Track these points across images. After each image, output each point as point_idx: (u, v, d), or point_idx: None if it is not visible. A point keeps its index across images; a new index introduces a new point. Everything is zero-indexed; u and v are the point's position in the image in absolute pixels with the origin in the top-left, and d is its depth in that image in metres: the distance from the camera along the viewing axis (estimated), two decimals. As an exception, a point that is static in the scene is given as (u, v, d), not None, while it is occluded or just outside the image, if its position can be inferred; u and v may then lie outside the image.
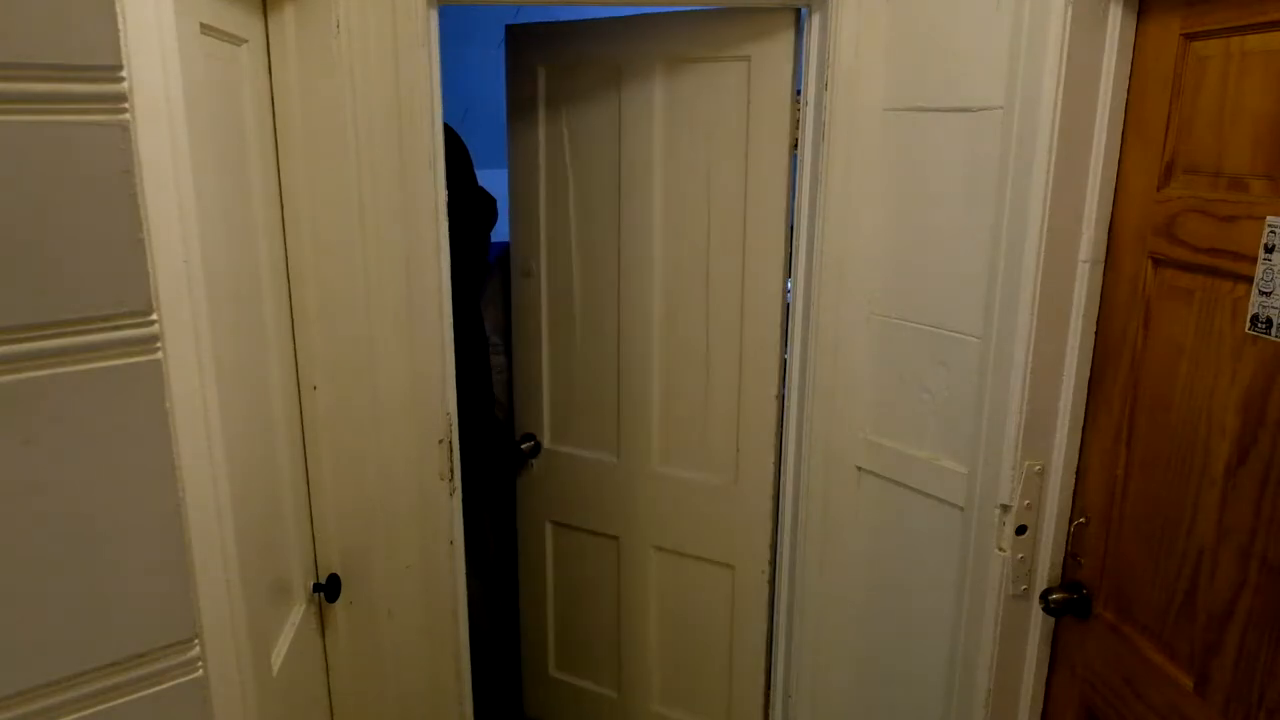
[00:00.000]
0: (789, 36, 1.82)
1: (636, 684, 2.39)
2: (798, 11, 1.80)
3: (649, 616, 2.33)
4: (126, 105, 0.82)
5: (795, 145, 1.86)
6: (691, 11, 1.91)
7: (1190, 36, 1.23)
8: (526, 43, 2.16)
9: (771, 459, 2.04)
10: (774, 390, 2.00)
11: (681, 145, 1.99)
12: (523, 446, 2.36)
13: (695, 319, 2.08)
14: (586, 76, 2.09)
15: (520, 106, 2.20)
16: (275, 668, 1.34)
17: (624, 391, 2.21)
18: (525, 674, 2.61)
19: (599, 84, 2.07)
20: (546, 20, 2.14)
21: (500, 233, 2.88)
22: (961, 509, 1.63)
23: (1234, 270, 1.16)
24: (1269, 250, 1.10)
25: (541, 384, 2.34)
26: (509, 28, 2.18)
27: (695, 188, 2.00)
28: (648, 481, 2.24)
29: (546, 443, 2.37)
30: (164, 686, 0.94)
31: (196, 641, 0.95)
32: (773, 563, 2.10)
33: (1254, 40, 1.13)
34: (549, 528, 2.43)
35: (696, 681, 2.32)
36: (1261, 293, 1.11)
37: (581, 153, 2.14)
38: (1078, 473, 1.48)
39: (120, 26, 0.81)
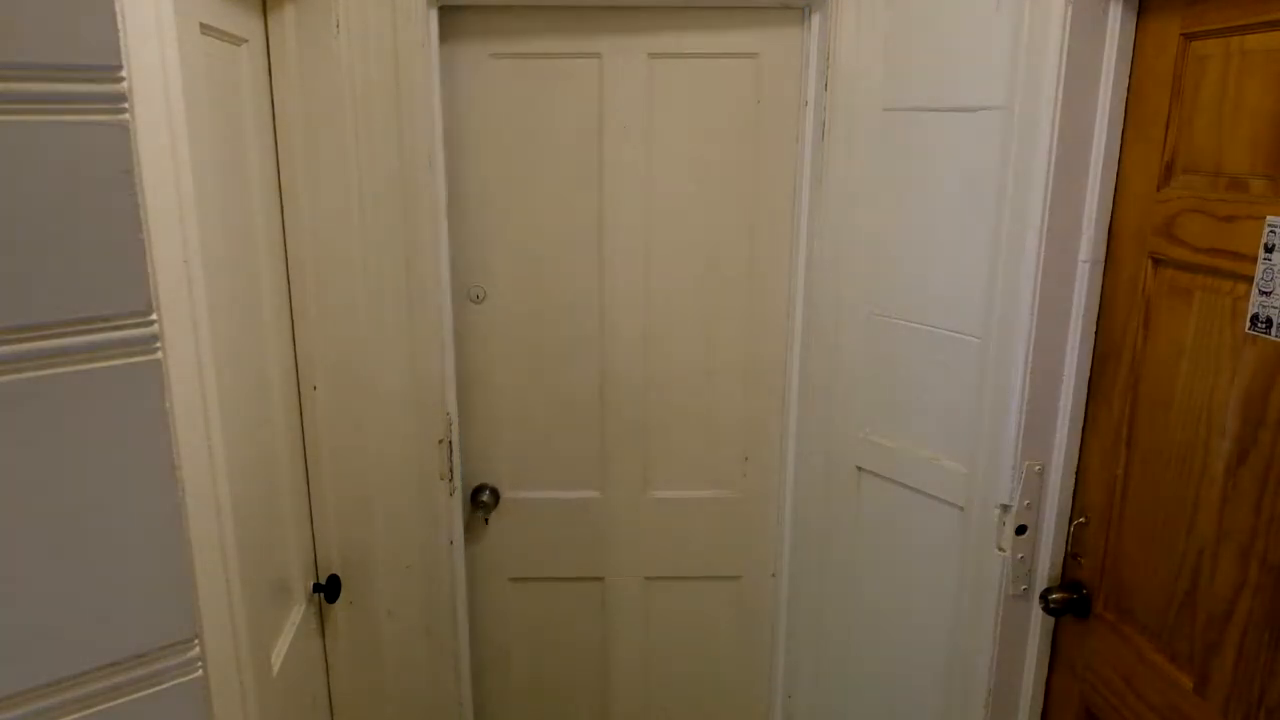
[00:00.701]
0: (798, 34, 1.80)
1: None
2: (803, 10, 1.79)
3: (641, 651, 2.22)
4: (126, 105, 0.82)
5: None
6: (688, 6, 1.82)
7: (1190, 36, 1.23)
8: (469, 26, 1.84)
9: (776, 466, 2.03)
10: (782, 393, 1.99)
11: (682, 146, 1.91)
12: (481, 499, 2.06)
13: (695, 330, 1.99)
14: (556, 70, 1.86)
15: (463, 103, 1.87)
16: (275, 668, 1.34)
17: (609, 419, 2.04)
18: None
19: (574, 80, 1.87)
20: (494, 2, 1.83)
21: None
22: (961, 509, 1.63)
23: (1234, 270, 1.16)
24: (1269, 250, 1.10)
25: (499, 426, 2.06)
26: (443, 8, 1.80)
27: (697, 190, 1.92)
28: (639, 511, 2.11)
29: (506, 492, 2.09)
30: (164, 686, 0.93)
31: (196, 641, 0.95)
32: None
33: (1254, 40, 1.13)
34: (509, 586, 2.16)
35: (695, 702, 2.26)
36: (1261, 292, 1.11)
37: (549, 157, 1.90)
38: (1078, 472, 1.48)
39: (120, 26, 0.81)
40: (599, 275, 1.96)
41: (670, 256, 1.95)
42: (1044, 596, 1.49)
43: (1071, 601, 1.47)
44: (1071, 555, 1.50)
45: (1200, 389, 1.23)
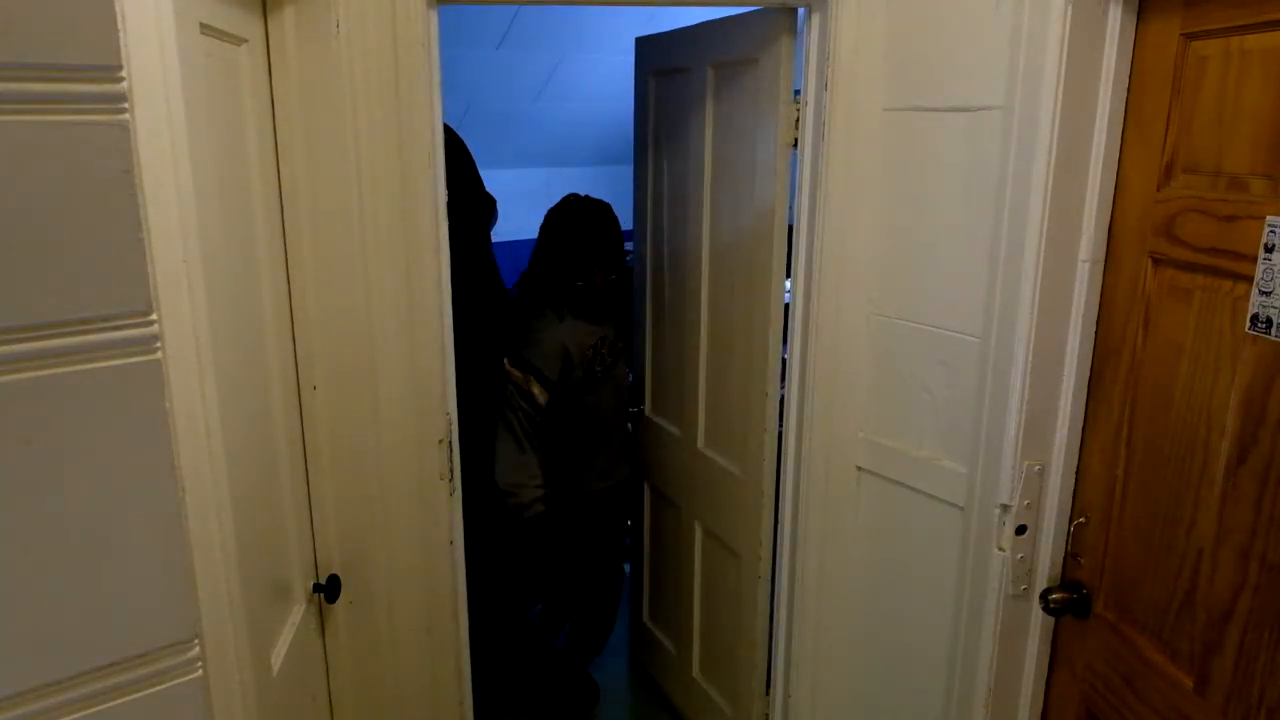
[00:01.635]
0: (789, 40, 1.84)
1: (685, 649, 2.57)
2: (794, 12, 1.80)
3: (693, 586, 2.48)
4: (126, 105, 0.82)
5: (795, 145, 1.86)
6: (724, 18, 2.00)
7: (1190, 36, 1.23)
8: (645, 52, 2.42)
9: (767, 456, 2.05)
10: (768, 388, 2.02)
11: (717, 146, 2.11)
12: (630, 410, 2.64)
13: (724, 314, 2.17)
14: (672, 82, 2.30)
15: (640, 111, 2.48)
16: (275, 668, 1.34)
17: (686, 372, 2.37)
18: (631, 618, 2.95)
19: (679, 89, 2.26)
20: (660, 31, 2.35)
21: (512, 231, 3.12)
22: (961, 509, 1.63)
23: (1234, 270, 1.16)
24: (1269, 250, 1.10)
25: (645, 358, 2.61)
26: (638, 40, 2.42)
27: (725, 187, 2.09)
28: (695, 459, 2.38)
29: (648, 412, 2.63)
30: (164, 686, 0.94)
31: (196, 641, 0.95)
32: (773, 559, 2.10)
33: (1254, 40, 1.13)
34: (646, 489, 2.69)
35: (719, 661, 2.41)
36: (1261, 292, 1.11)
37: (667, 150, 2.35)
38: (1078, 472, 1.48)
39: (120, 26, 0.81)
40: (684, 252, 2.33)
41: (714, 245, 2.19)
42: (1044, 596, 1.49)
43: (1071, 601, 1.47)
44: (1071, 555, 1.50)
45: (1200, 389, 1.23)
